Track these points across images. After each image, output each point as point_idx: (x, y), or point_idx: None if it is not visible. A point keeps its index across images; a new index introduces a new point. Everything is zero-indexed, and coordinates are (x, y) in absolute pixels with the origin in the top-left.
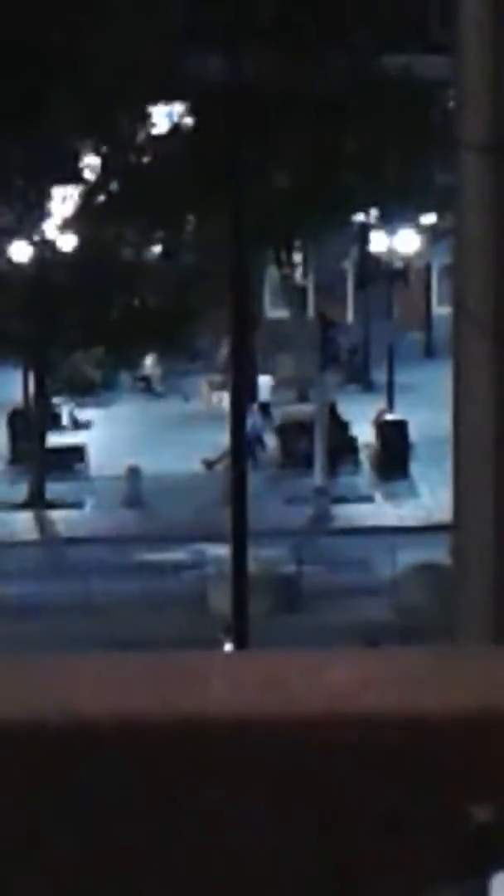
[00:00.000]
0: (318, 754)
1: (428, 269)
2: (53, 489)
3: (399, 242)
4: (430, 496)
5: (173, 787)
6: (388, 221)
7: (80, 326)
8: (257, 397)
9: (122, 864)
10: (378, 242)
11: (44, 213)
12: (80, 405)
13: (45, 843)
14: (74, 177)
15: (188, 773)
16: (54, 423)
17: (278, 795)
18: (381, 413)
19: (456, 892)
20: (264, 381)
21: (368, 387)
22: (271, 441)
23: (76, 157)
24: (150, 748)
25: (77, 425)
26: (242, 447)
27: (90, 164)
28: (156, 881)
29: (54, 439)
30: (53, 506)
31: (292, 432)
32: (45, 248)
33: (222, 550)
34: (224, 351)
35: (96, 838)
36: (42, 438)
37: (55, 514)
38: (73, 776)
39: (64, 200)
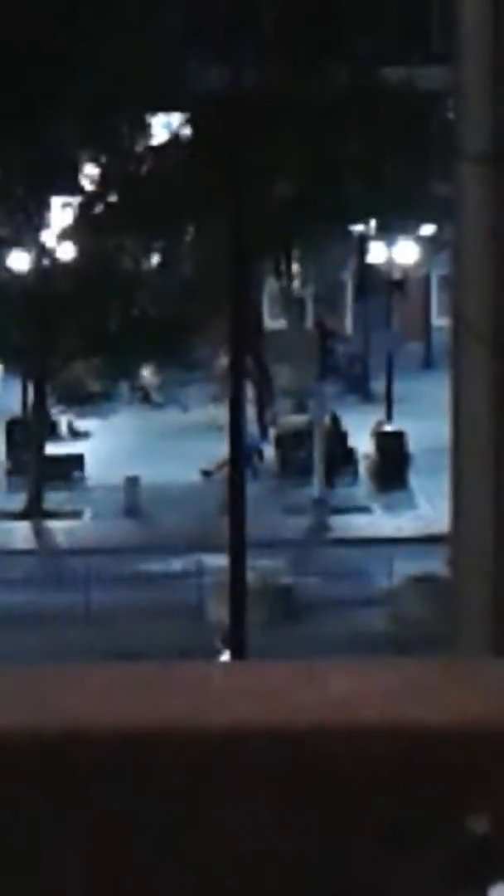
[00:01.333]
0: (317, 764)
1: (427, 279)
2: (52, 499)
3: (398, 253)
4: (429, 507)
5: (172, 797)
6: (388, 232)
7: (78, 336)
8: (264, 407)
9: (122, 873)
10: (377, 253)
11: (43, 223)
12: (79, 415)
13: (45, 851)
14: (74, 187)
15: (187, 782)
16: (53, 432)
17: (277, 805)
18: (379, 423)
19: None
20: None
21: (367, 397)
22: (270, 451)
23: (75, 167)
24: (149, 757)
25: (75, 435)
26: (241, 457)
27: (89, 173)
28: (156, 889)
29: (53, 449)
30: (51, 515)
31: (291, 442)
32: (44, 257)
33: (220, 560)
34: (221, 361)
35: (96, 847)
36: (40, 448)
37: (53, 524)
38: (73, 785)
39: (63, 210)
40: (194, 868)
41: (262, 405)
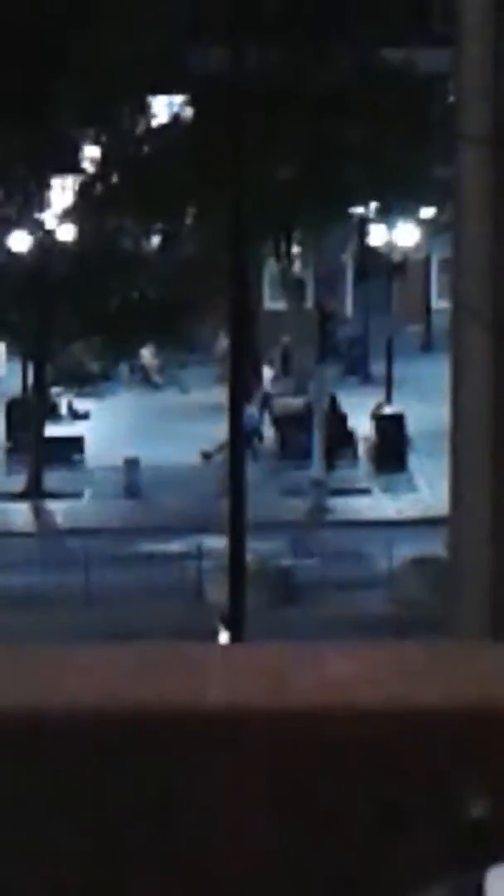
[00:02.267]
0: (315, 746)
1: (427, 262)
2: (51, 479)
3: (398, 235)
4: (428, 489)
5: (171, 777)
6: (388, 214)
7: (78, 317)
8: (263, 388)
9: (120, 852)
10: (377, 235)
11: (43, 203)
12: (79, 396)
13: (44, 831)
14: (74, 167)
15: (186, 763)
16: (52, 413)
17: (275, 786)
18: (379, 406)
19: (452, 885)
20: (263, 374)
21: (367, 379)
22: (269, 433)
23: (76, 148)
24: (148, 738)
25: (75, 416)
26: (241, 439)
27: (90, 154)
28: (154, 869)
29: (52, 430)
30: (51, 496)
31: (290, 424)
32: (44, 238)
33: (220, 542)
34: (222, 343)
35: (95, 826)
36: (40, 429)
37: (53, 505)
38: (72, 765)
39: (64, 191)
40: (192, 847)
41: (252, 388)
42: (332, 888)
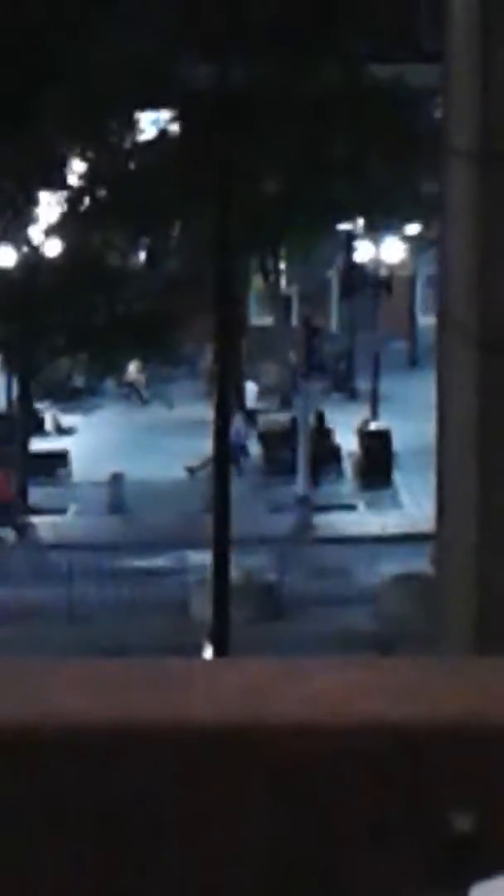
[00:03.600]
0: (301, 761)
1: (412, 278)
2: (36, 494)
3: (384, 251)
4: (413, 505)
5: (157, 792)
6: (374, 230)
7: (64, 332)
8: (244, 404)
9: (108, 867)
10: (363, 251)
11: (30, 218)
12: (64, 410)
13: (33, 845)
14: (61, 182)
15: (172, 777)
16: (38, 428)
17: (260, 800)
18: (364, 422)
19: None
20: (248, 389)
21: (352, 395)
22: (255, 448)
23: (63, 163)
24: (132, 752)
25: (60, 431)
26: (226, 454)
27: (77, 169)
28: (143, 883)
29: (37, 444)
30: (35, 511)
31: (276, 440)
32: (30, 252)
33: (205, 557)
34: (208, 358)
35: (82, 841)
36: (25, 443)
37: (37, 520)
38: (58, 779)
39: (50, 206)
40: (179, 862)
41: (240, 405)
42: None
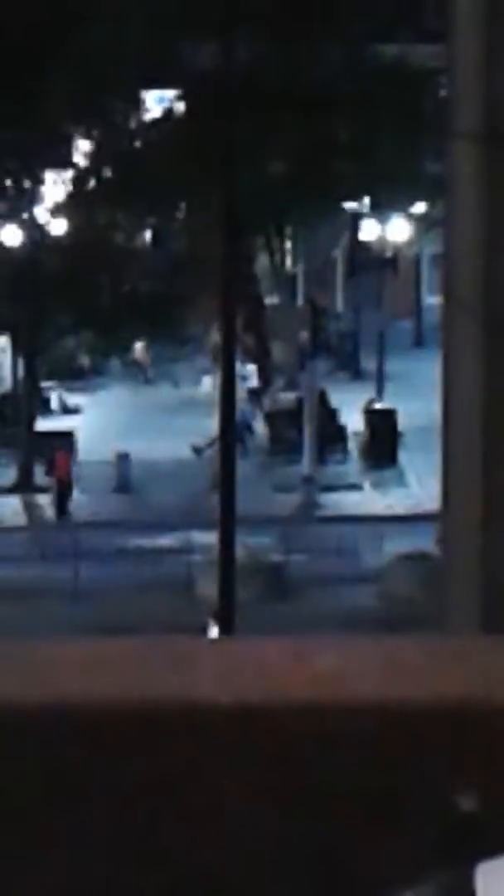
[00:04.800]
0: (305, 741)
1: (418, 257)
2: (42, 474)
3: (390, 231)
4: (418, 485)
5: (162, 772)
6: (379, 210)
7: (70, 311)
8: (269, 380)
9: (111, 846)
10: (369, 231)
11: (36, 198)
12: (70, 390)
13: (32, 827)
14: (67, 162)
15: (176, 757)
16: (44, 407)
17: (264, 781)
18: (370, 401)
19: (442, 880)
20: (253, 368)
21: (358, 375)
22: (260, 428)
23: (69, 142)
24: (136, 733)
25: (66, 410)
26: (231, 434)
27: (83, 149)
28: (147, 864)
29: (43, 424)
30: (42, 490)
31: (281, 420)
32: (36, 232)
33: (210, 537)
34: (214, 337)
35: (88, 822)
36: (31, 423)
37: (43, 499)
38: (62, 760)
39: (56, 185)
40: (182, 844)
41: (265, 383)
42: (322, 882)
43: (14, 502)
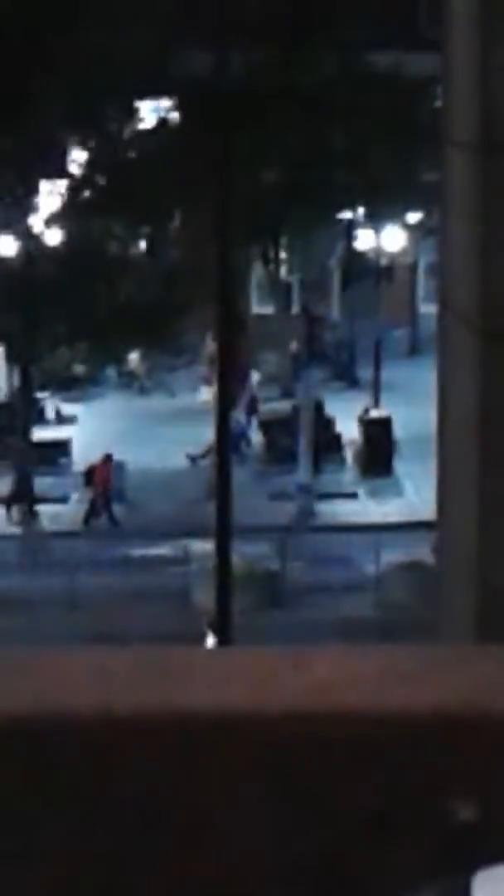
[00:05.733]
0: (302, 750)
1: (413, 266)
2: (38, 483)
3: (385, 240)
4: (415, 493)
5: (157, 783)
6: (375, 219)
7: (65, 321)
8: (255, 402)
9: (109, 855)
10: (364, 240)
11: (30, 207)
12: (66, 400)
13: (26, 835)
14: (62, 171)
15: (172, 769)
16: (39, 417)
17: (262, 791)
18: (365, 410)
19: (438, 889)
20: (250, 377)
21: (353, 383)
22: (256, 437)
23: (64, 152)
24: (134, 743)
25: (62, 420)
26: (227, 443)
27: (77, 158)
28: (142, 874)
29: (39, 434)
30: (37, 500)
31: (277, 428)
32: (31, 242)
33: (207, 546)
34: (209, 346)
35: (81, 832)
36: (26, 433)
37: (39, 509)
38: (57, 771)
39: (51, 195)
40: (180, 851)
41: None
42: (319, 891)
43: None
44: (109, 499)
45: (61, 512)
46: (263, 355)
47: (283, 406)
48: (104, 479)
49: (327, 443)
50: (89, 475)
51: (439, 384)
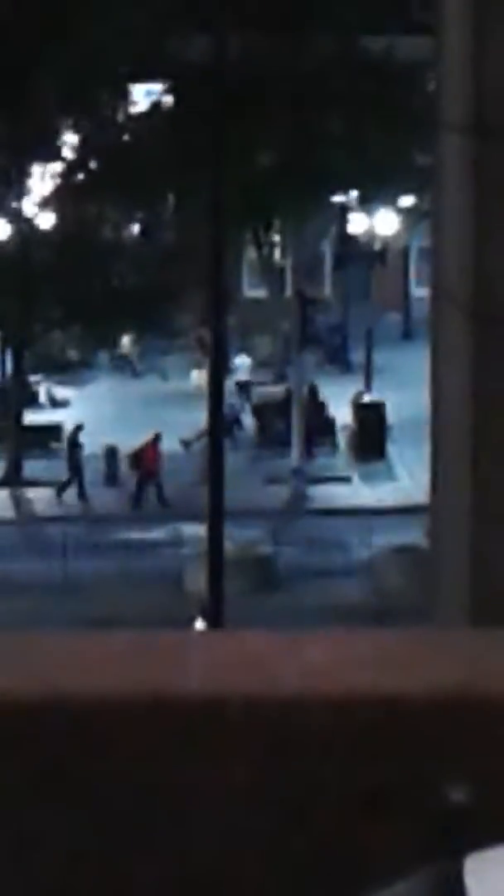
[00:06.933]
0: (295, 733)
1: (406, 250)
2: (30, 467)
3: (378, 223)
4: (408, 477)
5: (150, 765)
6: (368, 202)
7: (58, 304)
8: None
9: (102, 837)
10: (357, 223)
11: (23, 191)
12: (58, 383)
13: (22, 817)
14: (54, 155)
15: (164, 750)
16: (32, 401)
17: (255, 773)
18: (358, 394)
19: (432, 871)
20: (243, 361)
21: (346, 367)
22: (249, 421)
23: (56, 135)
24: (126, 726)
25: (55, 403)
26: (220, 427)
27: (70, 141)
28: (136, 854)
29: (31, 417)
30: (30, 484)
31: (270, 412)
32: (24, 225)
33: (199, 530)
34: (198, 330)
35: (79, 815)
36: (19, 416)
37: (32, 493)
38: (53, 752)
39: (44, 178)
40: (171, 836)
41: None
42: (312, 874)
43: (3, 496)
44: (160, 481)
45: (54, 496)
46: (256, 339)
47: (277, 390)
48: (153, 460)
49: (320, 427)
50: (136, 458)
51: (432, 368)
